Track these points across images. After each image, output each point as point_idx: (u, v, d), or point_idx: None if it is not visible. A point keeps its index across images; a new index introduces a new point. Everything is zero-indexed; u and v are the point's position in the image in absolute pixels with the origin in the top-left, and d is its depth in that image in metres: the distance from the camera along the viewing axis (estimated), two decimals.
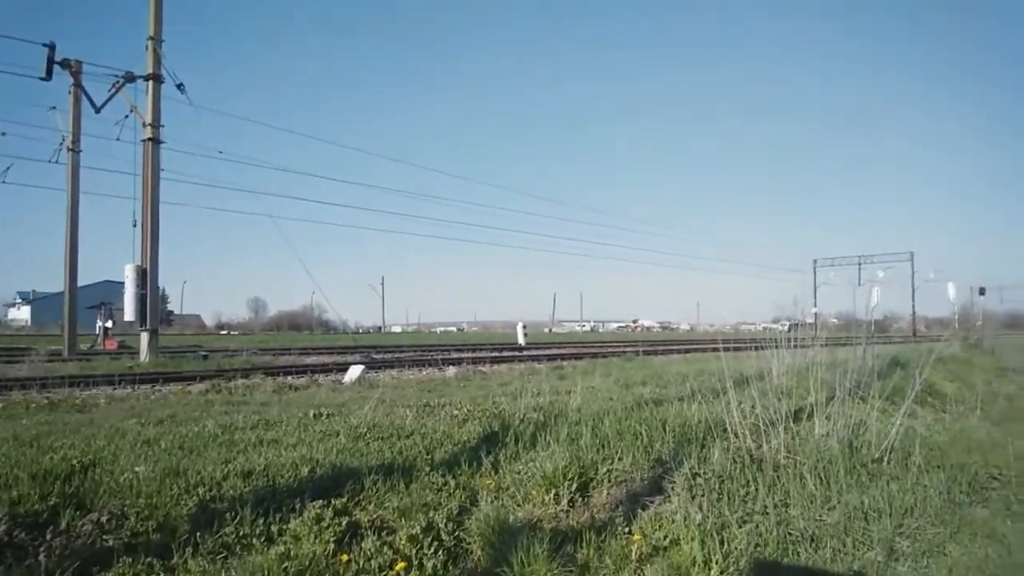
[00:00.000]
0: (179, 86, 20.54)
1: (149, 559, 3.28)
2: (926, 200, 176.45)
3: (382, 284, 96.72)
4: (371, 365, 16.30)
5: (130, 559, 3.25)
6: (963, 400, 9.82)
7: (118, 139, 21.37)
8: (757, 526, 3.90)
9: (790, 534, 3.87)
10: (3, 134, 23.77)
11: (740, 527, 3.88)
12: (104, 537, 3.60)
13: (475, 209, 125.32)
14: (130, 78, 20.40)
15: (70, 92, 22.51)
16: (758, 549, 3.67)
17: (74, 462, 4.77)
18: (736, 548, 3.63)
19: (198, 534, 3.57)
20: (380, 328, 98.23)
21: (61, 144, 22.81)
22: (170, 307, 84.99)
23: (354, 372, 13.42)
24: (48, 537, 3.55)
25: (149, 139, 19.72)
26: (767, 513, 4.08)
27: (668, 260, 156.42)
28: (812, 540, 3.85)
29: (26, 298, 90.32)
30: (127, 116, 20.86)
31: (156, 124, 19.84)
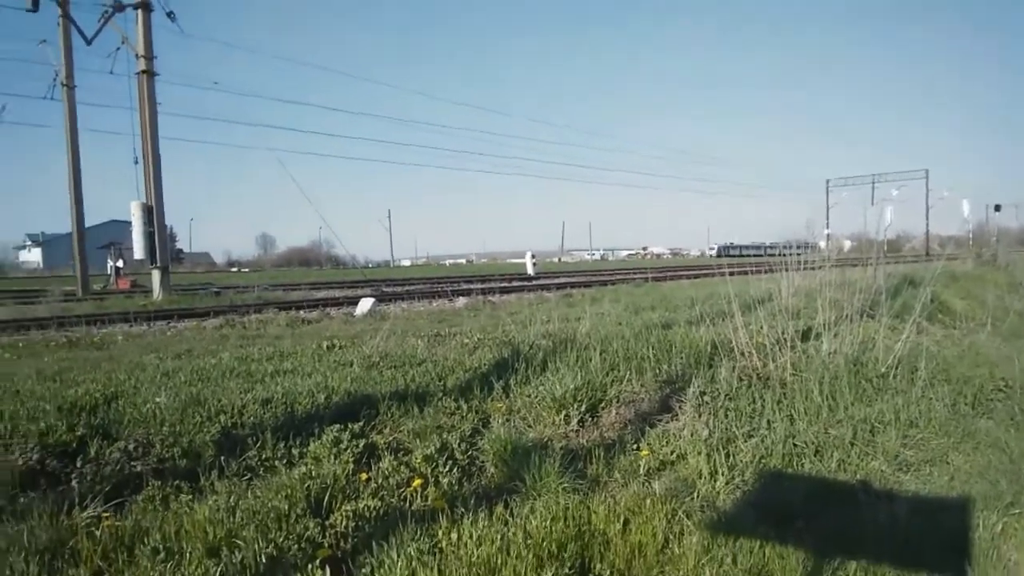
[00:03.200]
0: (169, 14, 19.99)
1: (177, 482, 3.42)
2: (941, 118, 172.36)
3: (389, 218, 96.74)
4: (381, 298, 16.43)
5: (159, 482, 3.39)
6: (974, 316, 9.82)
7: (111, 72, 20.86)
8: (763, 440, 4.00)
9: (796, 446, 3.97)
10: None
11: (746, 441, 3.98)
12: (132, 463, 3.74)
13: (481, 138, 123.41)
14: (119, 7, 19.76)
15: (59, 23, 21.92)
16: (763, 461, 3.78)
17: (97, 395, 4.92)
18: (741, 461, 3.74)
19: (222, 458, 3.72)
20: (389, 262, 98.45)
21: (55, 79, 22.41)
22: (179, 245, 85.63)
23: (365, 305, 13.55)
24: (79, 465, 3.71)
25: (143, 71, 19.28)
26: (773, 428, 4.17)
27: (678, 185, 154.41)
28: (817, 452, 3.95)
29: (36, 240, 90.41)
30: (119, 48, 20.32)
31: (149, 55, 19.34)
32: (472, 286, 20.37)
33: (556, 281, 24.12)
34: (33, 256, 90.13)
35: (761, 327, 5.76)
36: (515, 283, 24.02)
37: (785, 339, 5.42)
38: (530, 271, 33.43)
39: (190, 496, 3.29)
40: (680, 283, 22.24)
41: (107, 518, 3.00)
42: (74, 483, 3.48)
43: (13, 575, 2.46)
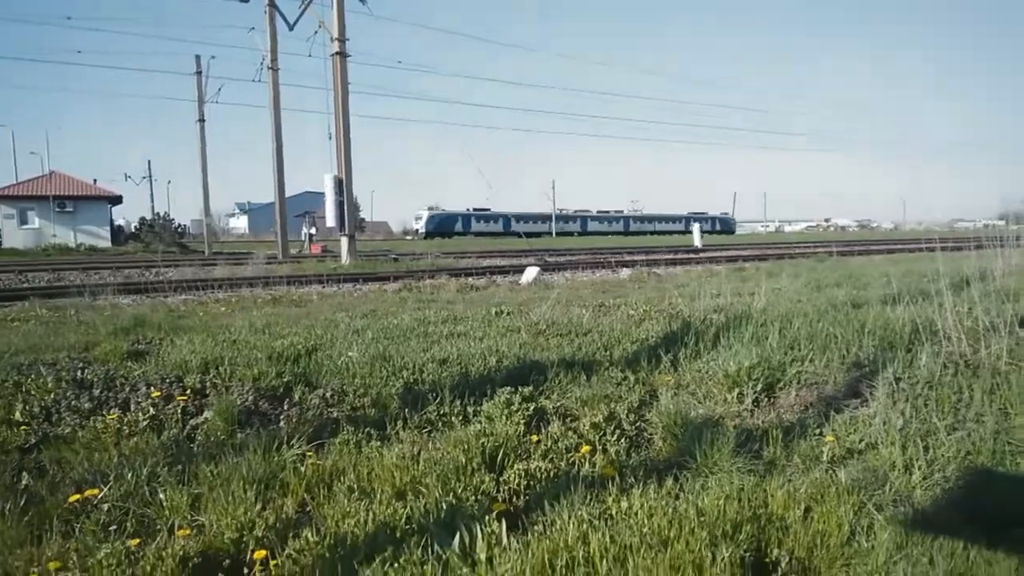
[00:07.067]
0: None
1: (368, 429, 3.73)
2: None
3: (552, 188, 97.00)
4: (545, 267, 16.70)
5: (352, 428, 3.72)
6: None
7: (309, 55, 22.82)
8: (969, 434, 3.57)
9: (1010, 443, 3.50)
10: (213, 57, 26.53)
11: (949, 435, 3.58)
12: (329, 409, 4.16)
13: (650, 105, 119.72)
14: None
15: (265, 12, 24.29)
16: (969, 457, 3.38)
17: (299, 347, 5.50)
18: (943, 455, 3.37)
19: (406, 411, 4.02)
20: (551, 232, 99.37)
21: (262, 63, 24.93)
22: (362, 215, 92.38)
23: (530, 273, 13.85)
24: (285, 408, 4.18)
25: (337, 53, 20.84)
26: (982, 421, 3.71)
27: (868, 152, 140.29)
28: None
29: (243, 208, 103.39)
30: (316, 32, 22.16)
31: (342, 38, 20.87)
32: (635, 257, 20.08)
33: (726, 254, 23.08)
34: (240, 223, 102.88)
35: (970, 309, 5.13)
36: (681, 255, 23.32)
37: (1000, 323, 4.77)
38: (697, 243, 32.28)
39: (379, 443, 3.58)
40: (871, 258, 20.33)
41: (310, 456, 3.35)
42: (282, 423, 3.92)
43: (233, 501, 2.82)
